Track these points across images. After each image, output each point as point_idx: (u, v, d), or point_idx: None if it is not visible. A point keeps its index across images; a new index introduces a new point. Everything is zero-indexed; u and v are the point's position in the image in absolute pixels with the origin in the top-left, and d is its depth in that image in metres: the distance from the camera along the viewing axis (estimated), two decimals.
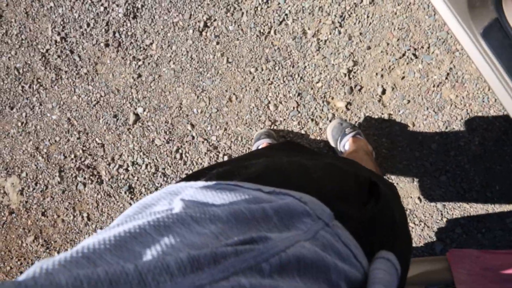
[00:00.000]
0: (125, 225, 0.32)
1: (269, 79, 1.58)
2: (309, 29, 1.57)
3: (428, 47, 1.49)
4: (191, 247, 0.29)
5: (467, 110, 1.45)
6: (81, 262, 0.26)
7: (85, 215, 1.68)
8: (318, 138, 1.54)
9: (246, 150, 1.58)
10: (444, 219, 1.45)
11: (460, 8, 0.87)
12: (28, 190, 1.72)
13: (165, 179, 1.63)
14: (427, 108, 1.48)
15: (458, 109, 1.46)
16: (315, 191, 0.45)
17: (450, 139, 1.47)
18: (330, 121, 1.52)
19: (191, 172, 1.60)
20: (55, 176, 1.70)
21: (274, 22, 1.59)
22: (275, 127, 1.56)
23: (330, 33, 1.55)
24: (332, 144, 1.47)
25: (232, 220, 0.34)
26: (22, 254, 1.71)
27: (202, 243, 0.30)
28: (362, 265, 0.40)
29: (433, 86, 1.48)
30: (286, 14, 1.58)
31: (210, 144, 1.60)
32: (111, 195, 1.66)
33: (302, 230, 0.37)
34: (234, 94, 1.60)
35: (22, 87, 1.76)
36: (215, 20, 1.63)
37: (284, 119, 1.56)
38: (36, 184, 1.72)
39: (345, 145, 1.38)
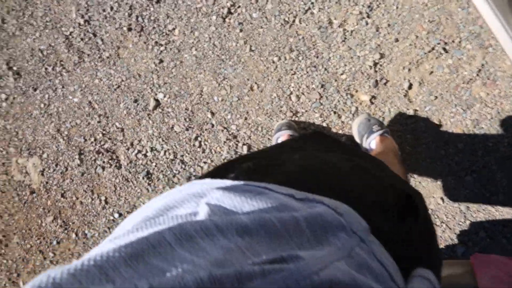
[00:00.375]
0: (144, 230, 0.30)
1: (292, 69, 1.54)
2: (335, 19, 1.52)
3: (460, 42, 1.43)
4: (213, 264, 0.27)
5: (497, 109, 1.39)
6: (92, 271, 0.24)
7: (103, 198, 1.69)
8: (340, 131, 1.50)
9: (266, 141, 1.56)
10: (467, 222, 1.40)
11: (499, 0, 0.82)
12: (49, 171, 1.75)
13: (183, 166, 1.62)
14: (455, 105, 1.42)
15: (488, 108, 1.40)
16: (351, 199, 0.42)
17: (478, 139, 1.41)
18: (353, 114, 1.48)
19: (209, 160, 1.59)
20: (75, 158, 1.72)
21: (299, 10, 1.54)
22: (296, 119, 1.53)
23: (357, 24, 1.50)
24: (357, 140, 1.43)
25: (261, 232, 0.32)
26: (41, 233, 1.75)
27: (226, 260, 0.28)
28: (399, 286, 0.37)
29: (463, 83, 1.42)
30: (312, 3, 1.53)
31: (230, 133, 1.59)
32: (129, 180, 1.67)
33: (336, 246, 0.35)
34: (256, 83, 1.58)
35: (46, 69, 1.77)
36: (239, 6, 1.59)
37: (306, 111, 1.53)
38: (56, 165, 1.74)
39: (371, 143, 1.34)
